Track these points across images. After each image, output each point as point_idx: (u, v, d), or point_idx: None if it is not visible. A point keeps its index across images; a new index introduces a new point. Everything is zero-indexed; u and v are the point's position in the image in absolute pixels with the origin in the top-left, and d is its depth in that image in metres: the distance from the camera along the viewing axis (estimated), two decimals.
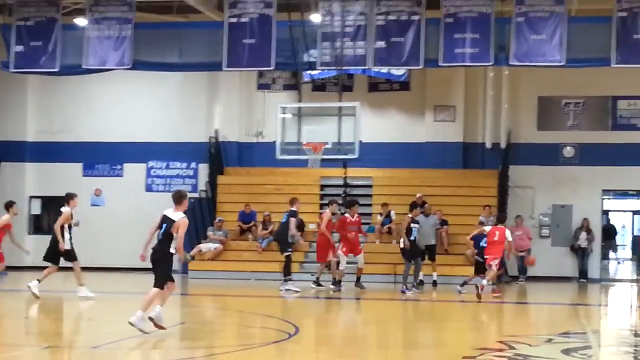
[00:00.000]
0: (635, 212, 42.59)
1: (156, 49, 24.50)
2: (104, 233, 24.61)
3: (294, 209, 23.38)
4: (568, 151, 28.61)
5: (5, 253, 20.23)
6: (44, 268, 20.73)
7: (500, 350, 13.26)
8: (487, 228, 22.52)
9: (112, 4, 23.99)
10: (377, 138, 28.55)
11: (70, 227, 20.06)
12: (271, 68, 24.29)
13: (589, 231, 28.00)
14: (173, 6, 26.36)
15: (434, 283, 24.59)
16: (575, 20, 23.11)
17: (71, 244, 20.06)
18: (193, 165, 30.16)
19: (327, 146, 22.59)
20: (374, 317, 19.64)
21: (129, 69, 24.41)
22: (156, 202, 29.46)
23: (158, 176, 30.32)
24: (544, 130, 28.79)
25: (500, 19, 23.04)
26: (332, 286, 23.09)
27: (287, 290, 22.55)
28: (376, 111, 29.23)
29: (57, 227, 19.92)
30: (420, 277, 24.55)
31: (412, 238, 23.01)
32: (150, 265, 14.37)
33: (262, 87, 30.20)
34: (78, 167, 30.52)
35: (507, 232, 22.36)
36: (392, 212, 27.11)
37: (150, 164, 30.32)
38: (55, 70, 24.51)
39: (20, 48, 24.39)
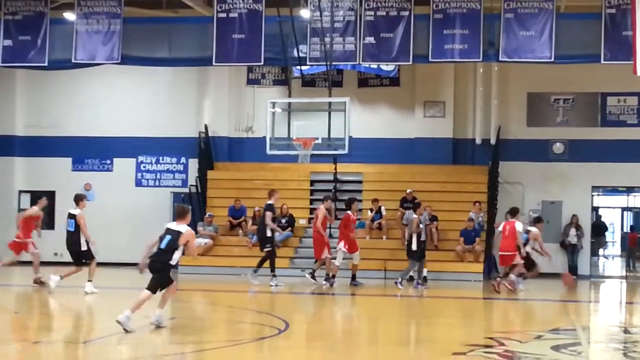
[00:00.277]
0: (624, 209, 42.68)
1: (145, 44, 24.46)
2: (93, 228, 24.38)
3: (270, 202, 23.41)
4: (558, 147, 28.65)
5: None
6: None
7: (490, 346, 13.28)
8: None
9: None
10: (367, 134, 28.57)
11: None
12: (260, 63, 24.34)
13: (578, 227, 28.07)
14: (162, 1, 26.40)
15: (424, 279, 24.58)
16: (564, 17, 23.16)
17: (87, 243, 20.26)
18: (183, 160, 30.13)
19: (317, 141, 22.55)
20: (365, 313, 19.65)
21: (118, 63, 24.37)
22: (146, 197, 29.60)
23: (148, 171, 30.28)
24: (534, 127, 28.83)
25: (490, 15, 23.07)
26: (324, 282, 23.11)
27: (275, 285, 22.62)
28: (366, 107, 29.25)
29: (83, 230, 20.09)
30: (411, 273, 24.61)
31: (422, 239, 23.48)
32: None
33: (251, 82, 30.18)
34: (67, 161, 30.45)
35: (517, 225, 22.47)
36: (383, 208, 27.15)
37: (140, 158, 30.27)
38: (44, 64, 24.47)
39: (8, 42, 24.33)
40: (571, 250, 28.06)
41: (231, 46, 23.46)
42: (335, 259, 23.46)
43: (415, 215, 23.31)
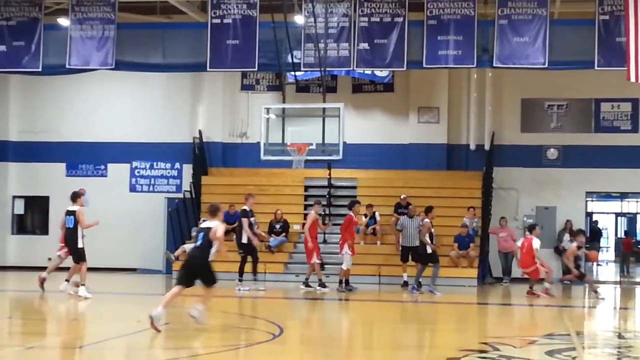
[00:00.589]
0: (618, 214, 42.78)
1: (139, 50, 24.43)
2: (87, 233, 24.42)
3: (245, 207, 23.42)
4: (552, 153, 28.71)
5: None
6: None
7: (485, 351, 13.28)
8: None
9: (94, 4, 23.90)
10: (362, 139, 28.62)
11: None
12: (255, 69, 24.31)
13: (572, 233, 28.06)
14: (156, 7, 26.37)
15: (419, 284, 24.61)
16: (558, 23, 23.19)
17: (83, 243, 20.44)
18: (177, 165, 30.12)
19: (311, 147, 22.59)
20: (359, 318, 19.65)
21: (112, 69, 24.33)
22: (140, 202, 29.57)
23: (142, 176, 30.26)
24: (528, 132, 28.89)
25: (484, 22, 23.11)
26: (318, 288, 23.14)
27: (239, 289, 22.79)
28: (360, 112, 29.27)
29: (82, 223, 20.34)
30: (404, 278, 24.68)
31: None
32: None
33: (245, 88, 30.19)
34: (61, 167, 30.42)
35: (534, 242, 23.02)
36: (377, 213, 27.15)
37: (134, 164, 30.25)
38: (38, 70, 24.41)
39: (2, 48, 24.27)
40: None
41: (225, 52, 23.46)
42: (323, 264, 23.64)
43: (427, 220, 23.44)
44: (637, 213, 42.96)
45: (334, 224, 25.57)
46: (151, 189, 30.05)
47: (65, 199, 21.06)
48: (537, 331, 16.58)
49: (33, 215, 31.18)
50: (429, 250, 23.44)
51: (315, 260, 23.33)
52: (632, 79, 21.71)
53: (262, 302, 21.67)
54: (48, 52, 24.24)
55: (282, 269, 26.03)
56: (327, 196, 28.20)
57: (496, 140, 28.48)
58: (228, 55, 23.44)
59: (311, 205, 24.82)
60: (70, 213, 20.42)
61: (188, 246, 27.12)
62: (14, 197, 30.83)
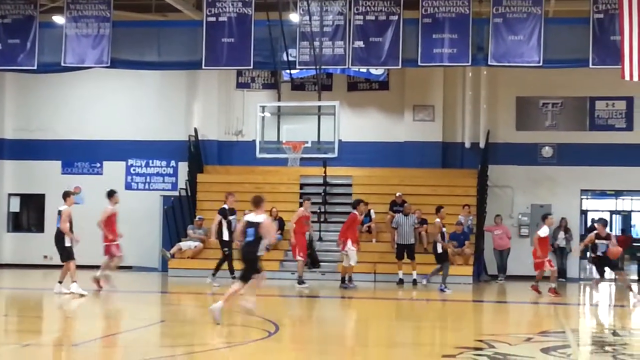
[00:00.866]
0: (612, 212, 42.83)
1: (135, 48, 24.48)
2: (83, 231, 24.43)
3: (224, 206, 23.45)
4: (546, 151, 28.75)
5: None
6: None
7: (480, 349, 13.32)
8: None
9: (89, 2, 23.98)
10: (357, 137, 28.64)
11: (70, 224, 20.42)
12: (250, 67, 24.38)
13: (567, 231, 28.15)
14: (152, 5, 26.39)
15: (414, 282, 24.67)
16: (553, 22, 23.26)
17: (70, 241, 20.50)
18: (173, 163, 30.11)
19: (306, 145, 22.62)
20: (355, 316, 19.69)
21: (108, 67, 24.38)
22: (136, 200, 29.55)
23: (138, 174, 30.25)
24: (523, 130, 28.92)
25: (479, 20, 23.18)
26: (297, 285, 23.22)
27: (212, 285, 22.91)
28: (355, 110, 29.28)
29: (66, 226, 20.29)
30: (400, 275, 24.71)
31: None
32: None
33: (241, 86, 30.19)
34: (57, 164, 30.39)
35: (540, 230, 22.90)
36: (372, 211, 27.17)
37: (130, 162, 30.24)
38: (34, 68, 24.48)
39: None
40: (560, 253, 28.11)
41: (220, 50, 23.51)
42: (316, 262, 23.83)
43: (438, 220, 23.53)
44: (632, 211, 43.03)
45: (330, 222, 25.59)
46: (147, 186, 30.04)
47: (61, 197, 21.08)
48: (532, 328, 16.63)
49: (29, 213, 31.17)
50: (439, 250, 23.45)
51: (298, 257, 23.46)
52: (627, 77, 21.78)
53: (258, 300, 21.66)
54: (43, 50, 24.29)
55: (277, 266, 26.04)
56: (323, 194, 28.22)
57: (491, 138, 28.52)
58: (223, 53, 23.50)
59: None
60: (59, 212, 20.51)
61: (184, 244, 27.24)
62: (10, 194, 30.81)
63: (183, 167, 29.76)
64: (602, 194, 35.57)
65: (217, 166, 29.96)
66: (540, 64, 22.73)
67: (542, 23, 22.57)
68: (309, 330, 16.60)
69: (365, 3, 23.23)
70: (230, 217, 23.42)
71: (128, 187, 30.15)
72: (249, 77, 30.05)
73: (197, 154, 29.64)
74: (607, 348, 14.23)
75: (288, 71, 26.09)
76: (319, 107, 23.15)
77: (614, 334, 16.43)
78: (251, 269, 15.62)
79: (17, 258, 29.76)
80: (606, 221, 23.24)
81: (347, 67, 24.06)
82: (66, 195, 20.79)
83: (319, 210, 27.34)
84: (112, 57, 23.91)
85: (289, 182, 28.74)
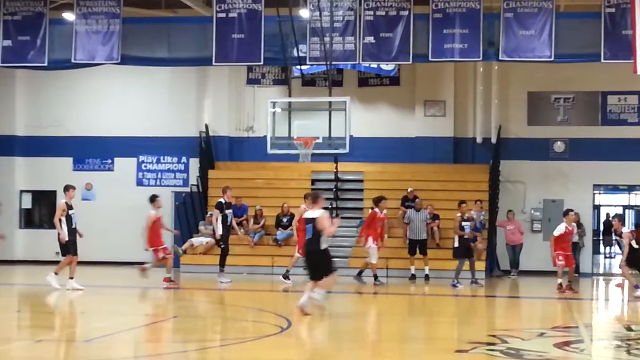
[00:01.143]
0: (625, 207, 42.67)
1: (145, 44, 24.49)
2: (94, 227, 24.61)
3: (221, 200, 23.38)
4: (558, 146, 28.67)
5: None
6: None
7: (493, 344, 13.27)
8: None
9: None
10: (368, 133, 28.61)
11: (69, 219, 20.33)
12: (260, 63, 24.41)
13: (579, 226, 28.03)
14: (161, 1, 26.39)
15: (426, 277, 24.64)
16: (564, 16, 23.20)
17: (71, 236, 20.41)
18: (184, 159, 30.14)
19: (317, 141, 22.60)
20: (367, 311, 19.64)
21: (118, 63, 24.41)
22: (147, 197, 29.53)
23: (149, 170, 30.28)
24: (534, 125, 28.86)
25: (489, 15, 23.13)
26: (282, 278, 23.17)
27: (220, 282, 22.84)
28: (366, 106, 29.26)
29: (55, 220, 20.34)
30: (412, 271, 24.68)
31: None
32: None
33: (251, 82, 30.18)
34: (68, 161, 30.45)
35: (557, 228, 22.54)
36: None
37: (141, 158, 30.27)
38: (44, 64, 24.51)
39: (8, 42, 24.34)
40: (573, 248, 27.98)
41: (231, 46, 23.49)
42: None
43: (459, 214, 23.37)
44: None
45: (342, 217, 25.51)
46: (158, 183, 30.05)
47: None
48: (545, 323, 16.57)
49: (40, 210, 31.23)
50: (456, 244, 23.32)
51: (297, 253, 23.39)
52: (639, 72, 21.67)
53: (270, 295, 21.68)
54: (53, 46, 24.31)
55: (289, 262, 25.97)
56: (334, 190, 28.20)
57: (503, 134, 28.45)
58: (233, 50, 23.48)
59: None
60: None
61: (195, 240, 27.25)
62: (22, 191, 30.90)
63: (194, 163, 29.78)
64: (614, 188, 35.44)
65: (228, 162, 29.97)
66: (552, 58, 22.68)
67: (553, 17, 22.51)
68: (321, 325, 16.56)
69: None
70: (227, 211, 23.37)
71: (139, 183, 30.19)
72: (259, 73, 30.04)
73: (208, 150, 29.65)
74: (620, 343, 14.18)
75: (298, 67, 26.08)
76: (330, 102, 23.14)
77: (628, 328, 16.36)
78: (318, 268, 15.76)
79: (29, 254, 29.78)
80: (623, 217, 23.05)
81: (357, 62, 24.03)
82: (66, 189, 20.71)
83: (330, 206, 27.29)
84: (122, 53, 23.92)
85: (300, 177, 28.72)
